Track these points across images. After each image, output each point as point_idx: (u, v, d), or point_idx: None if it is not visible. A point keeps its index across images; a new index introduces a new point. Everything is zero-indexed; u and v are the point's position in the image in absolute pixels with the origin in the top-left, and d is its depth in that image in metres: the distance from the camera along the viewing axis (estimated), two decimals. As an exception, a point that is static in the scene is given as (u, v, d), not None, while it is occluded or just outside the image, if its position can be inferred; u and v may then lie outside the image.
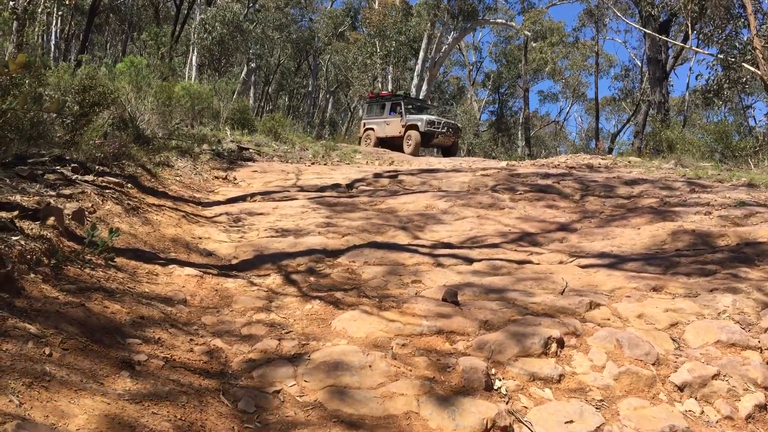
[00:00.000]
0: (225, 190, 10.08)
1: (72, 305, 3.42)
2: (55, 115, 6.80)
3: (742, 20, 17.60)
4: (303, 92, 48.57)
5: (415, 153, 20.39)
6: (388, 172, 12.46)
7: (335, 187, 10.53)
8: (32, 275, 3.60)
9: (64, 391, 2.47)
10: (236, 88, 23.40)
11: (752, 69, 15.09)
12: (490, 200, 8.98)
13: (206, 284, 4.86)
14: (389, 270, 5.53)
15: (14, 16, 11.11)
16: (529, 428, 3.15)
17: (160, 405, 2.66)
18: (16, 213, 4.44)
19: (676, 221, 7.39)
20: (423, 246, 6.52)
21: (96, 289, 3.90)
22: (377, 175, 11.73)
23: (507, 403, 3.31)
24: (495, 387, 3.43)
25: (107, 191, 6.52)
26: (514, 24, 36.56)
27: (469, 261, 5.93)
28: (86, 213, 5.45)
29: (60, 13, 31.10)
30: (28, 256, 3.76)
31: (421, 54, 30.52)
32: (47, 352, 2.72)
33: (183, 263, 5.28)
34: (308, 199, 9.11)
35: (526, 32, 35.57)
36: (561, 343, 3.90)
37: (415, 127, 20.91)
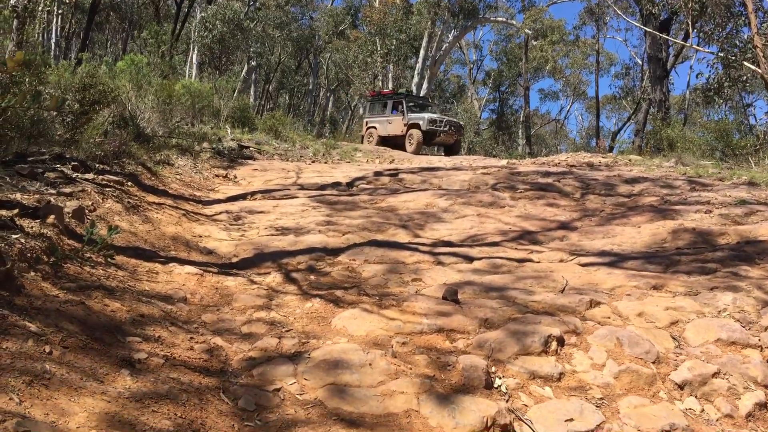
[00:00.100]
0: (225, 188, 10.08)
1: (72, 303, 3.42)
2: (55, 113, 6.80)
3: (743, 18, 17.58)
4: (303, 90, 48.55)
5: (417, 151, 20.33)
6: (389, 170, 12.46)
7: (336, 185, 10.53)
8: (32, 273, 3.60)
9: (64, 389, 2.47)
10: (237, 86, 23.41)
11: (753, 67, 15.08)
12: (491, 198, 8.98)
13: (206, 282, 4.86)
14: (389, 268, 5.53)
15: (14, 14, 11.10)
16: (529, 426, 3.15)
17: (160, 403, 2.66)
18: (16, 211, 4.44)
19: (676, 220, 7.38)
20: (423, 244, 6.52)
21: (96, 287, 3.90)
22: (378, 174, 11.72)
23: (507, 401, 3.31)
24: (495, 385, 3.43)
25: (107, 189, 6.52)
26: (514, 22, 36.50)
27: (470, 259, 5.93)
28: (86, 211, 5.45)
29: (60, 11, 31.11)
30: (28, 255, 3.76)
31: (422, 52, 30.50)
32: (47, 350, 2.72)
33: (183, 261, 5.28)
34: (309, 197, 9.11)
35: (527, 30, 35.51)
36: (561, 342, 3.90)
37: (416, 125, 20.83)
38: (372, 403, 3.09)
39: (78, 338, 3.01)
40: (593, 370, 3.70)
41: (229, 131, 16.15)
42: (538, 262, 5.92)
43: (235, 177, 11.20)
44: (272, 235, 6.74)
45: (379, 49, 33.60)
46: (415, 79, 30.23)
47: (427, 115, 20.97)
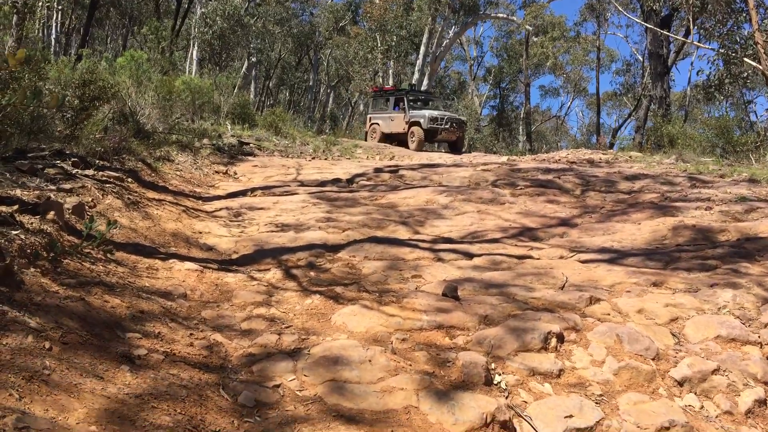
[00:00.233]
0: (225, 184, 10.07)
1: (72, 299, 3.42)
2: (55, 109, 6.79)
3: (744, 15, 17.55)
4: (304, 87, 48.48)
5: (419, 149, 20.21)
6: (389, 166, 12.45)
7: (336, 181, 10.53)
8: (32, 269, 3.60)
9: (63, 386, 2.47)
10: (237, 82, 23.38)
11: (754, 64, 15.05)
12: (491, 195, 8.97)
13: (206, 279, 4.86)
14: (389, 265, 5.53)
15: (14, 10, 11.09)
16: (528, 423, 3.15)
17: (160, 399, 2.66)
18: (16, 207, 4.44)
19: (676, 216, 7.38)
20: (423, 241, 6.52)
21: (96, 283, 3.90)
22: (378, 170, 11.72)
23: (507, 397, 3.32)
24: (495, 382, 3.43)
25: (107, 185, 6.52)
26: (515, 18, 36.43)
27: (470, 256, 5.93)
28: (86, 207, 5.45)
29: (60, 7, 31.07)
30: (28, 250, 3.76)
31: (422, 49, 30.45)
32: (47, 347, 2.72)
33: (183, 258, 5.28)
34: (309, 193, 9.11)
35: (528, 27, 35.43)
36: (561, 338, 3.90)
37: (418, 123, 20.75)
38: (371, 399, 3.09)
39: (78, 334, 3.01)
40: (593, 367, 3.70)
41: (229, 127, 16.14)
42: (538, 259, 5.92)
43: (235, 173, 11.20)
44: (272, 231, 6.74)
45: (379, 45, 33.56)
46: (416, 76, 30.19)
47: (428, 113, 20.81)
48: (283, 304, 4.47)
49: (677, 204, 8.03)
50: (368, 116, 23.82)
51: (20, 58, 3.49)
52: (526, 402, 3.33)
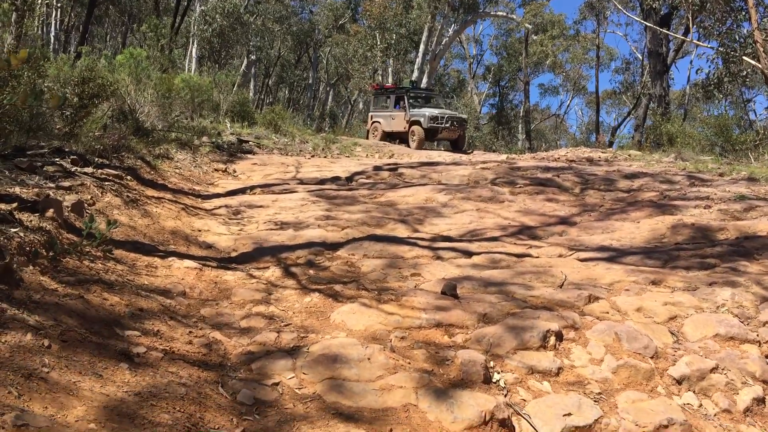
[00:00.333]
0: (224, 182, 10.07)
1: (71, 297, 3.42)
2: (56, 108, 6.79)
3: (743, 13, 17.54)
4: (303, 85, 48.48)
5: (419, 148, 20.14)
6: (388, 164, 12.45)
7: (335, 179, 10.53)
8: (31, 267, 3.60)
9: (62, 383, 2.48)
10: (236, 80, 23.35)
11: (753, 62, 15.05)
12: (490, 193, 8.98)
13: (205, 277, 4.86)
14: (388, 263, 5.53)
15: (13, 8, 11.08)
16: (527, 421, 3.16)
17: (158, 397, 2.66)
18: (15, 205, 4.44)
19: (675, 215, 7.39)
20: (422, 239, 6.52)
21: (95, 281, 3.90)
22: (377, 168, 11.72)
23: (505, 395, 3.32)
24: (493, 380, 3.44)
25: (106, 183, 6.51)
26: (514, 17, 36.43)
27: (469, 254, 5.93)
28: (85, 205, 5.45)
29: (59, 4, 31.03)
30: (27, 248, 3.76)
31: (422, 47, 30.42)
32: (46, 344, 2.72)
33: (182, 256, 5.28)
34: (308, 191, 9.11)
35: (527, 25, 35.43)
36: (560, 337, 3.90)
37: (418, 122, 20.64)
38: (370, 397, 3.09)
39: (77, 332, 3.01)
40: (591, 365, 3.70)
41: (228, 125, 16.14)
42: (537, 257, 5.93)
43: (235, 171, 11.19)
44: (271, 229, 6.74)
45: (378, 43, 33.56)
46: (415, 74, 30.17)
47: (428, 112, 20.66)
48: (282, 302, 4.47)
49: (676, 202, 8.03)
50: (370, 114, 23.73)
51: (22, 57, 3.49)
52: (524, 400, 3.33)
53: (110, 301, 3.67)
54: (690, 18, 17.24)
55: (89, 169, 6.79)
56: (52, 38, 30.33)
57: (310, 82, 45.24)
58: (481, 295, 4.59)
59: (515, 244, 6.48)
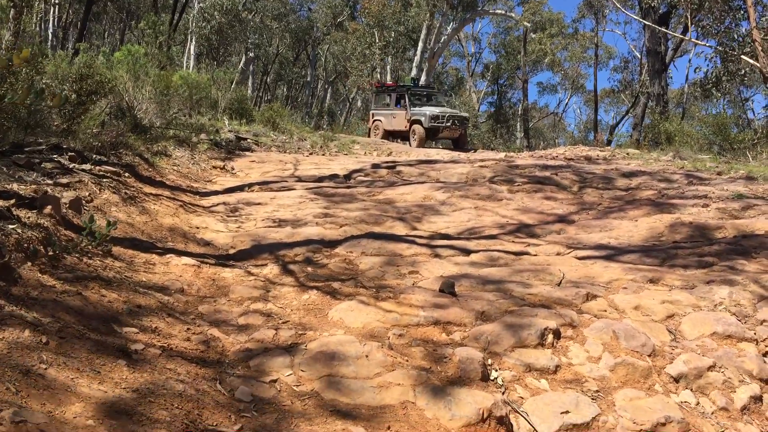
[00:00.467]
0: (223, 179, 10.06)
1: (69, 294, 3.42)
2: (58, 107, 6.78)
3: (742, 12, 17.54)
4: (301, 82, 48.43)
5: (420, 146, 19.94)
6: (386, 162, 12.45)
7: (333, 177, 10.53)
8: (29, 264, 3.59)
9: (60, 380, 2.47)
10: (234, 77, 23.32)
11: (751, 61, 15.05)
12: (488, 192, 8.98)
13: (203, 274, 4.86)
14: (386, 260, 5.53)
15: (11, 4, 11.05)
16: (525, 418, 3.16)
17: (156, 394, 2.66)
18: (12, 201, 4.44)
19: (673, 213, 7.39)
20: (420, 237, 6.52)
21: (93, 278, 3.90)
22: (375, 166, 11.72)
23: (503, 393, 3.32)
24: (491, 377, 3.44)
25: (104, 180, 6.51)
26: (513, 15, 36.44)
27: (467, 252, 5.94)
28: (83, 202, 5.44)
29: (57, 1, 30.97)
30: (25, 245, 3.75)
31: (420, 44, 30.38)
32: (44, 341, 2.72)
33: (180, 253, 5.28)
34: (306, 189, 9.11)
35: (526, 23, 35.42)
36: (557, 334, 3.90)
37: (419, 122, 20.46)
38: (368, 394, 3.09)
39: (75, 329, 3.01)
40: (589, 363, 3.71)
41: (226, 123, 16.12)
42: (535, 255, 5.93)
43: (233, 168, 11.19)
44: (269, 226, 6.74)
45: (377, 41, 33.51)
46: (414, 72, 30.13)
47: (429, 111, 20.31)
48: (280, 299, 4.47)
49: (674, 201, 8.04)
50: (371, 112, 23.49)
51: (25, 56, 3.48)
52: (522, 398, 3.34)
53: (108, 297, 3.67)
54: (688, 17, 17.24)
55: (87, 166, 6.78)
56: (50, 35, 30.28)
57: (309, 79, 45.20)
58: (479, 292, 4.59)
59: (513, 242, 6.48)
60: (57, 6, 31.43)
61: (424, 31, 30.37)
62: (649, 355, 3.81)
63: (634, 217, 7.43)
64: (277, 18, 39.11)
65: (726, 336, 4.06)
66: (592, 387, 3.48)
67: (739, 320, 4.26)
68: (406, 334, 3.80)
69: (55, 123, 7.96)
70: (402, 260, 5.57)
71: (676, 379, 3.64)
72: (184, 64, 27.58)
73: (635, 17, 26.05)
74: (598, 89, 42.09)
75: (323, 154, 14.64)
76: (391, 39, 33.36)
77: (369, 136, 22.08)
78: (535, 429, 3.12)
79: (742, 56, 15.96)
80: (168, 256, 5.06)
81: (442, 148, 21.44)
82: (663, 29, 23.18)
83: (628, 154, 14.77)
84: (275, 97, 47.39)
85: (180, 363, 3.11)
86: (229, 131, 14.82)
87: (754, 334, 4.11)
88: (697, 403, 3.50)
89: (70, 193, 5.40)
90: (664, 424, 3.23)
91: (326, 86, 48.21)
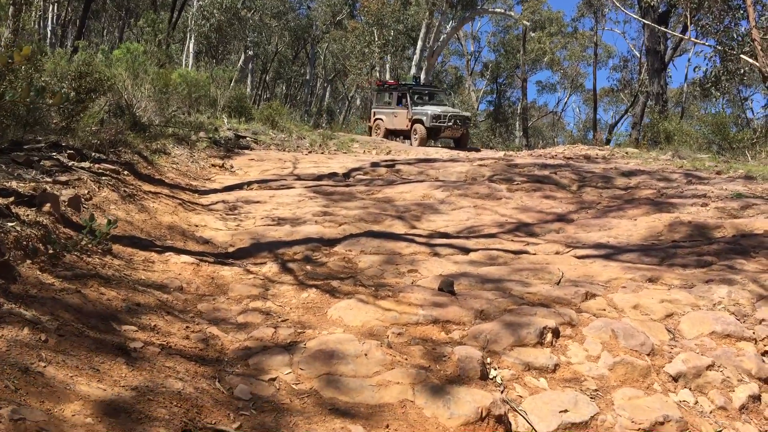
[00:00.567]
0: (222, 178, 10.06)
1: (68, 292, 3.41)
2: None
3: (741, 12, 17.54)
4: (300, 81, 48.37)
5: (422, 146, 19.78)
6: (386, 161, 12.45)
7: (332, 176, 10.52)
8: (28, 261, 3.59)
9: (59, 377, 2.47)
10: (233, 75, 23.29)
11: (750, 61, 15.05)
12: (487, 190, 8.98)
13: (202, 272, 4.86)
14: (386, 259, 5.53)
15: (11, 1, 11.04)
16: (524, 417, 3.16)
17: (155, 392, 2.66)
18: (11, 199, 4.43)
19: (672, 213, 7.40)
20: (420, 235, 6.52)
21: (92, 275, 3.89)
22: (374, 165, 11.71)
23: (502, 392, 3.33)
24: (490, 376, 3.44)
25: (103, 178, 6.50)
26: (512, 14, 36.40)
27: (466, 251, 5.94)
28: (82, 200, 5.44)
29: (56, -2, 30.94)
30: (25, 243, 3.75)
31: (420, 43, 30.35)
32: (43, 339, 2.72)
33: (179, 251, 5.28)
34: (305, 187, 9.10)
35: (525, 22, 35.40)
36: (556, 333, 3.91)
37: (420, 121, 20.30)
38: (367, 393, 3.09)
39: (74, 326, 3.01)
40: (588, 362, 3.71)
41: (225, 121, 16.10)
42: (535, 254, 5.93)
43: (232, 167, 11.18)
44: (268, 225, 6.74)
45: (376, 39, 33.47)
46: (413, 70, 30.10)
47: (430, 111, 20.09)
48: (279, 297, 4.47)
49: (673, 200, 8.04)
50: (372, 111, 23.22)
51: (26, 54, 3.48)
52: (521, 396, 3.34)
53: (107, 295, 3.67)
54: (688, 16, 17.23)
55: (86, 164, 6.78)
56: (49, 33, 30.25)
57: (308, 78, 45.15)
58: (478, 291, 4.59)
59: (512, 241, 6.49)
60: (56, 4, 31.40)
61: (423, 30, 30.34)
62: (648, 354, 3.81)
63: (633, 216, 7.43)
64: (277, 16, 39.04)
65: (725, 335, 4.06)
66: (590, 386, 3.48)
67: (738, 319, 4.26)
68: (405, 333, 3.80)
69: (54, 121, 7.95)
70: (401, 259, 5.57)
71: (675, 378, 3.65)
72: (183, 62, 27.57)
73: (635, 16, 26.06)
74: (597, 88, 42.08)
75: (322, 153, 14.64)
76: (391, 37, 33.34)
77: (370, 135, 21.94)
78: (533, 428, 3.12)
79: (742, 55, 15.96)
80: (167, 254, 5.06)
81: (441, 147, 21.42)
82: (662, 28, 23.17)
83: (627, 153, 14.77)
84: (274, 95, 47.35)
85: (179, 361, 3.11)
86: (228, 129, 14.81)
87: (753, 333, 4.11)
88: (696, 403, 3.50)
89: (69, 191, 5.40)
90: (662, 423, 3.23)
91: (325, 85, 48.18)
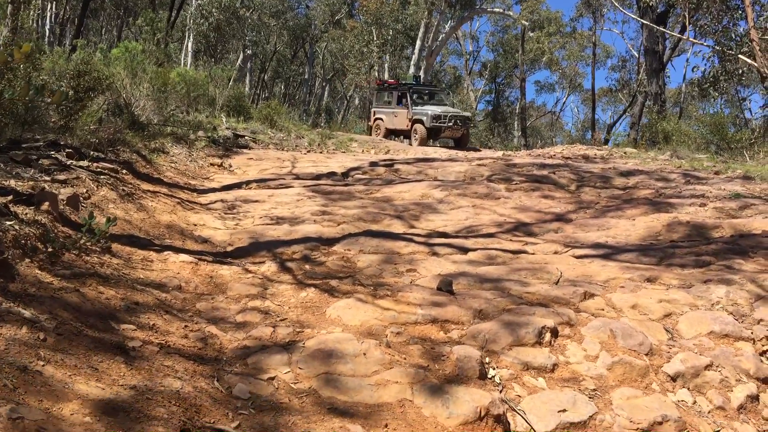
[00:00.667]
0: (220, 177, 10.06)
1: (66, 290, 3.41)
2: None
3: (740, 12, 17.55)
4: (299, 80, 48.35)
5: (422, 145, 19.68)
6: (384, 160, 12.44)
7: (331, 175, 10.52)
8: (27, 260, 3.59)
9: (58, 376, 2.47)
10: (232, 75, 23.28)
11: (749, 61, 15.07)
12: (486, 190, 8.98)
13: (201, 271, 4.86)
14: (384, 258, 5.53)
15: (9, 0, 11.01)
16: (522, 417, 3.17)
17: (154, 391, 2.66)
18: (10, 198, 4.43)
19: (671, 213, 7.40)
20: (418, 235, 6.52)
21: (91, 274, 3.89)
22: (373, 164, 11.71)
23: (501, 391, 3.33)
24: (489, 376, 3.44)
25: (102, 177, 6.49)
26: (511, 13, 36.41)
27: (464, 250, 5.94)
28: (81, 198, 5.43)
29: (55, -3, 30.89)
30: (23, 241, 3.74)
31: (418, 43, 30.32)
32: (41, 337, 2.71)
33: (178, 250, 5.28)
34: (304, 187, 9.10)
35: (524, 22, 35.40)
36: (555, 333, 3.91)
37: (420, 121, 20.23)
38: (366, 392, 3.09)
39: (72, 325, 3.01)
40: (586, 362, 3.71)
41: (224, 120, 16.09)
42: (533, 254, 5.93)
43: (230, 166, 11.18)
44: (267, 224, 6.74)
45: (375, 39, 33.45)
46: (412, 70, 30.06)
47: (430, 111, 19.96)
48: (277, 296, 4.47)
49: (672, 200, 8.05)
50: (372, 110, 23.06)
51: (25, 51, 3.48)
52: (520, 396, 3.34)
53: (106, 294, 3.67)
54: (686, 16, 17.26)
55: (85, 163, 6.77)
56: (48, 31, 30.21)
57: (306, 77, 45.12)
58: (476, 291, 4.60)
59: (511, 240, 6.49)
60: (54, 2, 31.35)
61: (422, 29, 30.33)
62: (647, 354, 3.81)
63: (631, 216, 7.44)
64: (275, 15, 39.00)
65: (723, 335, 4.07)
66: (589, 385, 3.48)
67: (736, 319, 4.26)
68: (404, 332, 3.80)
69: (53, 119, 7.95)
70: (400, 258, 5.57)
71: (673, 378, 3.65)
72: (182, 61, 27.54)
73: (633, 16, 26.07)
74: (595, 88, 42.05)
75: (321, 152, 14.63)
76: (389, 37, 33.32)
77: (370, 134, 21.85)
78: (532, 427, 3.13)
79: (740, 56, 15.98)
80: (166, 253, 5.06)
81: (440, 147, 21.40)
82: (661, 28, 23.19)
83: (625, 153, 14.78)
84: (273, 94, 47.32)
85: (177, 360, 3.11)
86: (226, 128, 14.79)
87: (751, 333, 4.12)
88: (694, 402, 3.51)
89: (67, 190, 5.39)
90: (660, 423, 3.23)
91: (324, 84, 48.16)
